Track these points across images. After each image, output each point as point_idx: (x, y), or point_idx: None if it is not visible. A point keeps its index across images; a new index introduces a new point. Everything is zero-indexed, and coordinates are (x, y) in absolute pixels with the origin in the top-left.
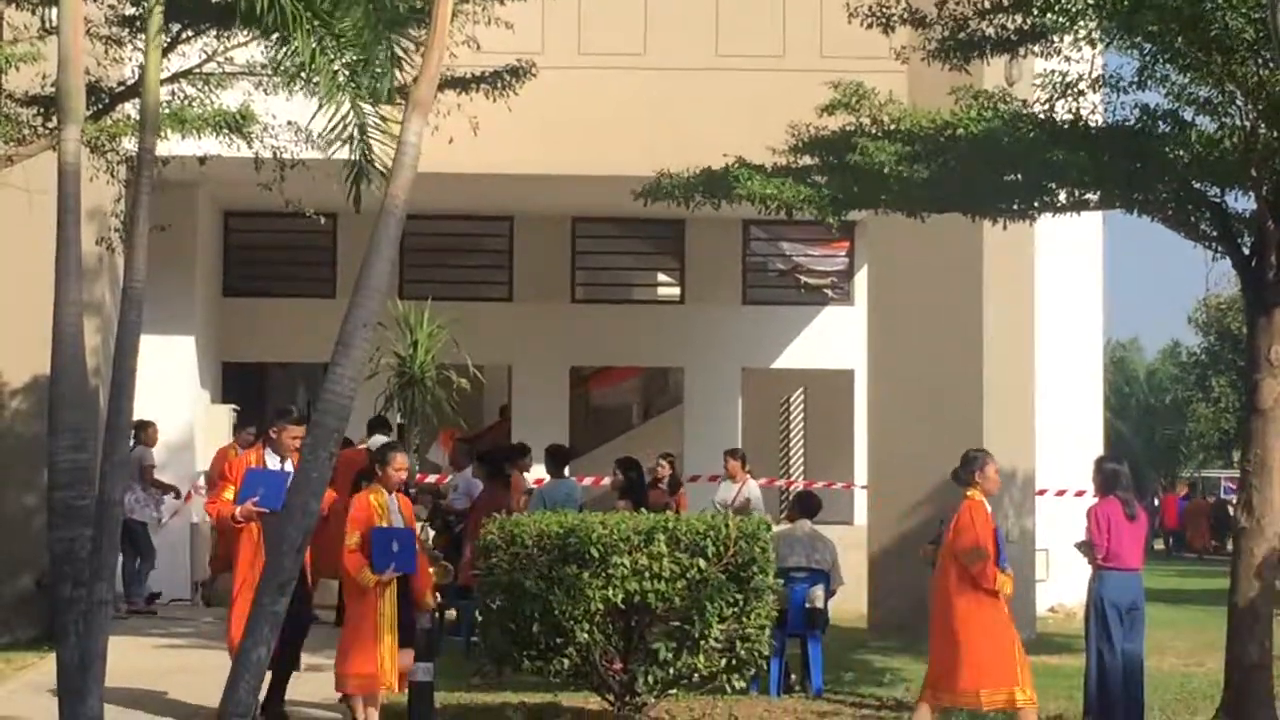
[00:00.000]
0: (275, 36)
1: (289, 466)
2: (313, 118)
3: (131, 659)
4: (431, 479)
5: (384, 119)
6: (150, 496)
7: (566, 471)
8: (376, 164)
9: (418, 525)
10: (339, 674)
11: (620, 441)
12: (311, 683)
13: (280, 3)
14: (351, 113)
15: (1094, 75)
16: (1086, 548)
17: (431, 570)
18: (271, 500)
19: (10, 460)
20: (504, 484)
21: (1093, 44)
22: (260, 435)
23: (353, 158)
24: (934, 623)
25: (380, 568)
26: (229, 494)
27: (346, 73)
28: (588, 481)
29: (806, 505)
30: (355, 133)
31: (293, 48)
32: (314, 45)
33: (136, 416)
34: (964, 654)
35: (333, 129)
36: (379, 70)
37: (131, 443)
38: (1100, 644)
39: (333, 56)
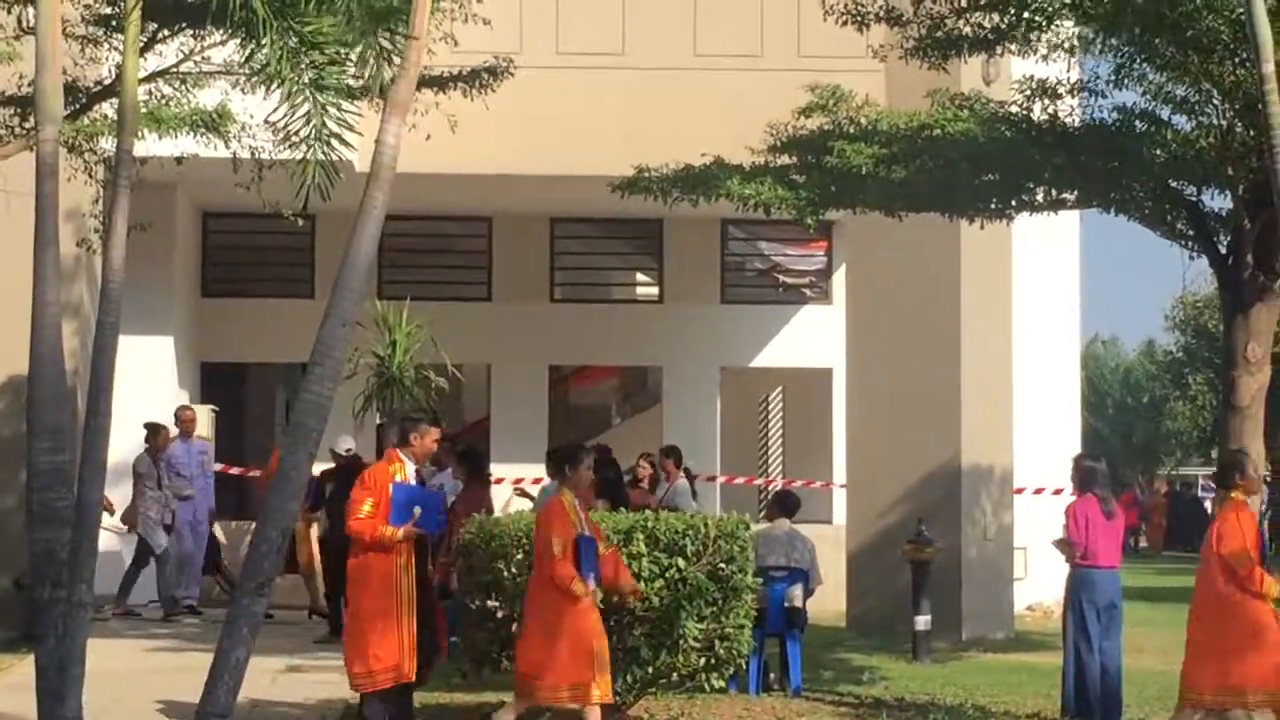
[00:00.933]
0: (244, 36)
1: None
2: (271, 113)
3: (110, 660)
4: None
5: (344, 123)
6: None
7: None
8: (344, 165)
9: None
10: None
11: (600, 440)
12: (288, 684)
13: (251, 3)
14: (314, 112)
15: (1072, 75)
16: (1064, 546)
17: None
18: (428, 521)
19: None
20: (484, 483)
21: (1071, 51)
22: (381, 447)
23: (308, 156)
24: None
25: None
26: (368, 507)
27: (313, 72)
28: None
29: (785, 504)
30: (316, 133)
31: (259, 46)
32: (281, 46)
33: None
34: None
35: (291, 126)
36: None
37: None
38: (1078, 642)
39: (300, 57)
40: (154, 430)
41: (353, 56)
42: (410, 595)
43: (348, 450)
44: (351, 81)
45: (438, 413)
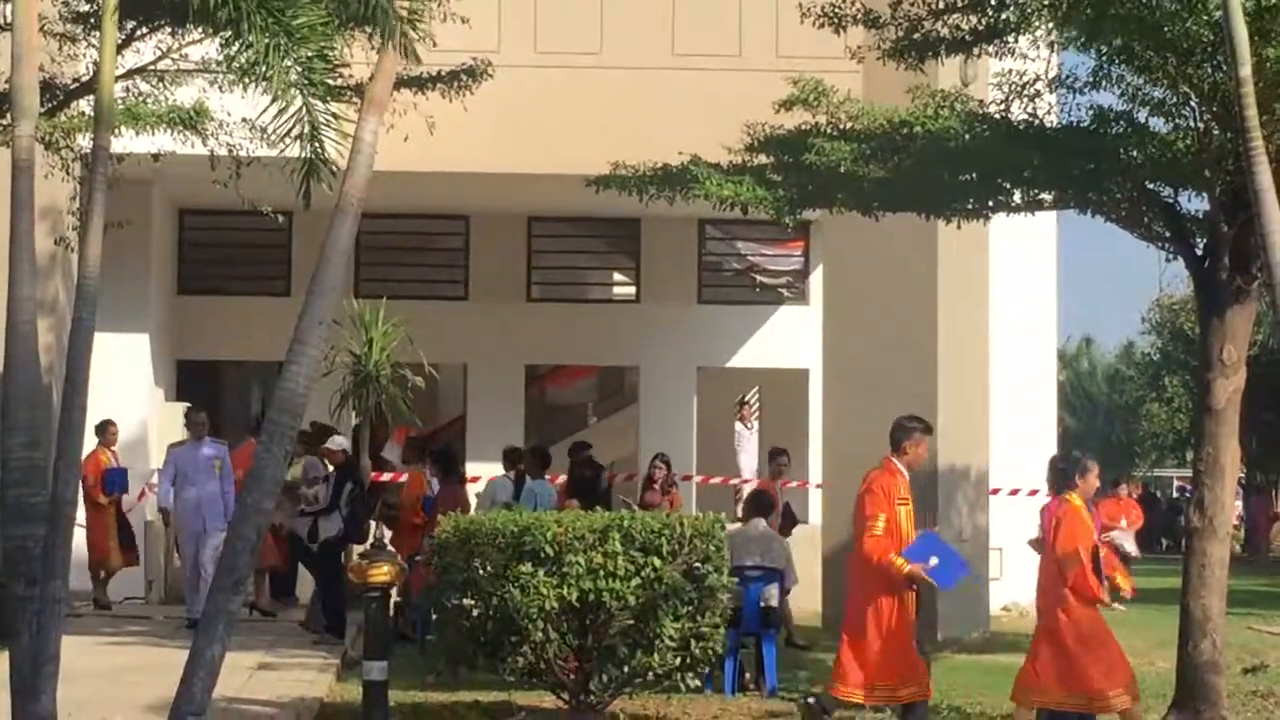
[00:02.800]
0: (229, 33)
1: None
2: (262, 113)
3: (85, 658)
4: (386, 477)
5: (335, 116)
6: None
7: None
8: (329, 162)
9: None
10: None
11: (576, 440)
12: (263, 681)
13: None
14: (304, 110)
15: (1050, 76)
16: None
17: (386, 570)
18: (944, 576)
19: None
20: (459, 481)
21: (1050, 46)
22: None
23: (304, 155)
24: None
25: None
26: (881, 526)
27: (299, 69)
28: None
29: (761, 504)
30: (307, 130)
31: (245, 43)
32: (267, 41)
33: (93, 415)
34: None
35: (284, 127)
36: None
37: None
38: None
39: (285, 53)
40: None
41: (341, 53)
42: (891, 621)
43: (345, 451)
44: (331, 80)
45: (413, 411)
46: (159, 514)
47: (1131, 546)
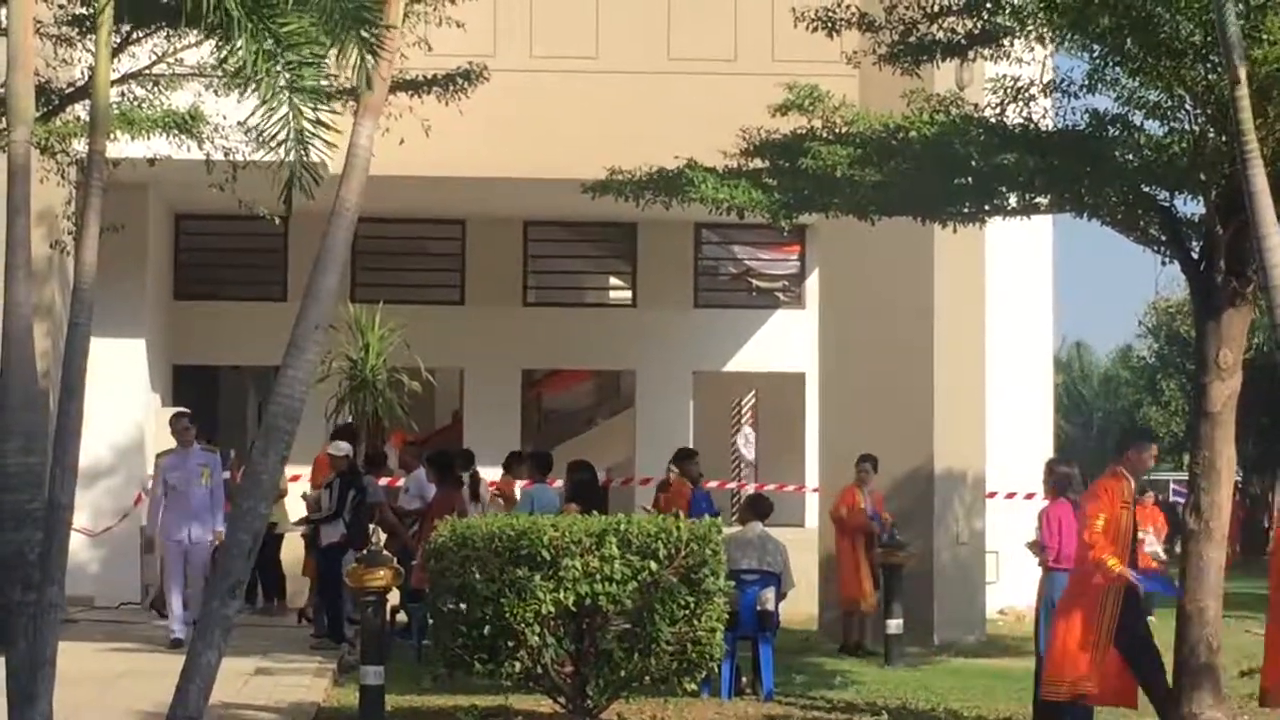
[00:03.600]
0: (219, 37)
1: None
2: (249, 116)
3: (81, 663)
4: (384, 481)
5: (321, 122)
6: None
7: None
8: (318, 167)
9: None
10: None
11: (573, 444)
12: (259, 687)
13: (225, 3)
14: (290, 115)
15: (1045, 80)
16: (1037, 548)
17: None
18: (1156, 585)
19: None
20: (456, 485)
21: (1043, 43)
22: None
23: (287, 160)
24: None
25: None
26: (1101, 523)
27: (288, 75)
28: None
29: (758, 508)
30: (291, 135)
31: (234, 47)
32: (256, 46)
33: (88, 419)
34: None
35: (269, 129)
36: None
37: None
38: (1041, 640)
39: (275, 58)
40: None
41: (329, 57)
42: (1111, 625)
43: (348, 456)
44: (325, 83)
45: (409, 416)
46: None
47: (1159, 550)
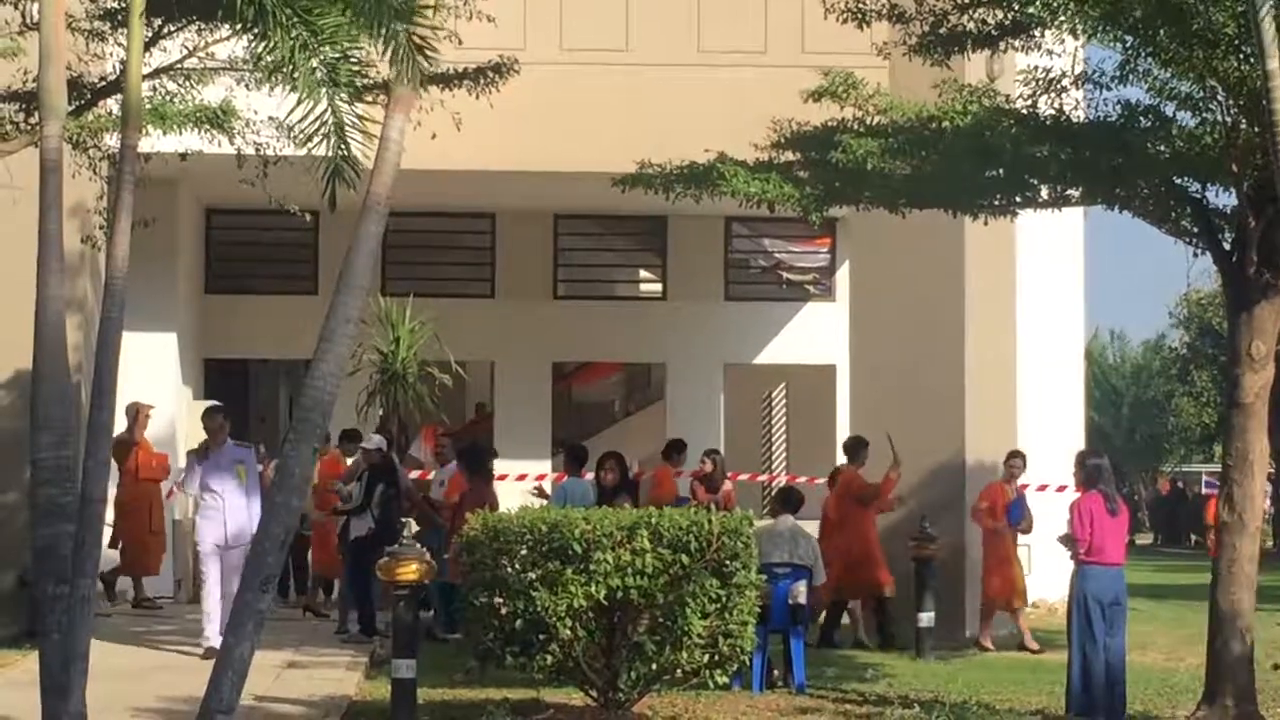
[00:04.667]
0: (255, 32)
1: None
2: (289, 114)
3: (114, 656)
4: (415, 474)
5: (361, 118)
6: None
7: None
8: (355, 161)
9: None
10: None
11: (603, 437)
12: (291, 680)
13: None
14: (329, 110)
15: (1076, 71)
16: (1069, 541)
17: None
18: None
19: None
20: (486, 479)
21: (1074, 34)
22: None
23: (329, 154)
24: None
25: None
26: None
27: (325, 69)
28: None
29: (788, 501)
30: (332, 130)
31: (272, 44)
32: (293, 41)
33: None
34: None
35: (310, 126)
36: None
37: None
38: (1083, 639)
39: (311, 53)
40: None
41: (368, 51)
42: None
43: (379, 449)
44: (357, 81)
45: (440, 409)
46: (187, 511)
47: None
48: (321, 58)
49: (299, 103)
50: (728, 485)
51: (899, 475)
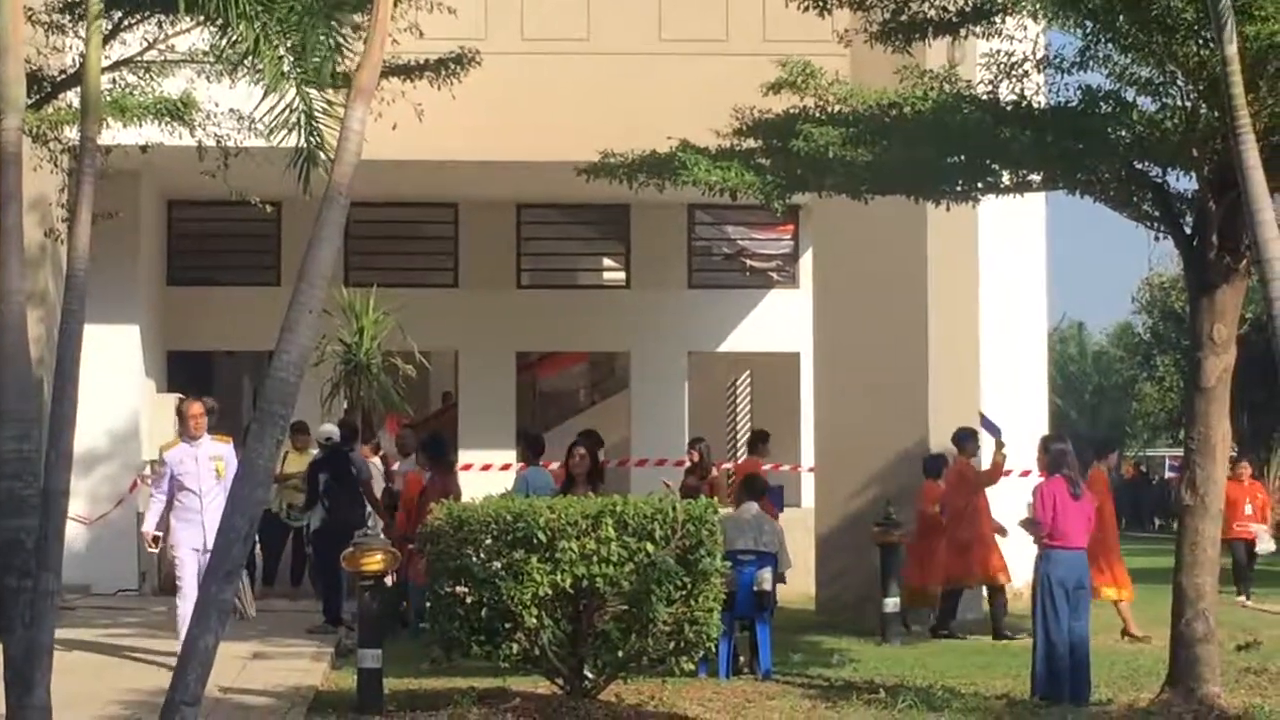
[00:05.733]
0: (218, 23)
1: None
2: (257, 105)
3: (80, 649)
4: (376, 460)
5: (330, 104)
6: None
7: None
8: (324, 150)
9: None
10: None
11: (568, 426)
12: (257, 672)
13: None
14: (298, 99)
15: (1037, 56)
16: (1032, 525)
17: (380, 558)
18: None
19: None
20: (447, 469)
21: (1035, 19)
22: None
23: (300, 144)
24: None
25: None
26: None
27: (291, 59)
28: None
29: (752, 488)
30: (302, 119)
31: (235, 35)
32: (256, 32)
33: (83, 405)
34: None
35: (278, 116)
36: (323, 54)
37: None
38: (1048, 622)
39: (276, 43)
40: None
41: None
42: None
43: (328, 439)
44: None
45: (404, 400)
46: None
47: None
48: (287, 46)
49: (266, 93)
50: (714, 473)
51: (1005, 457)
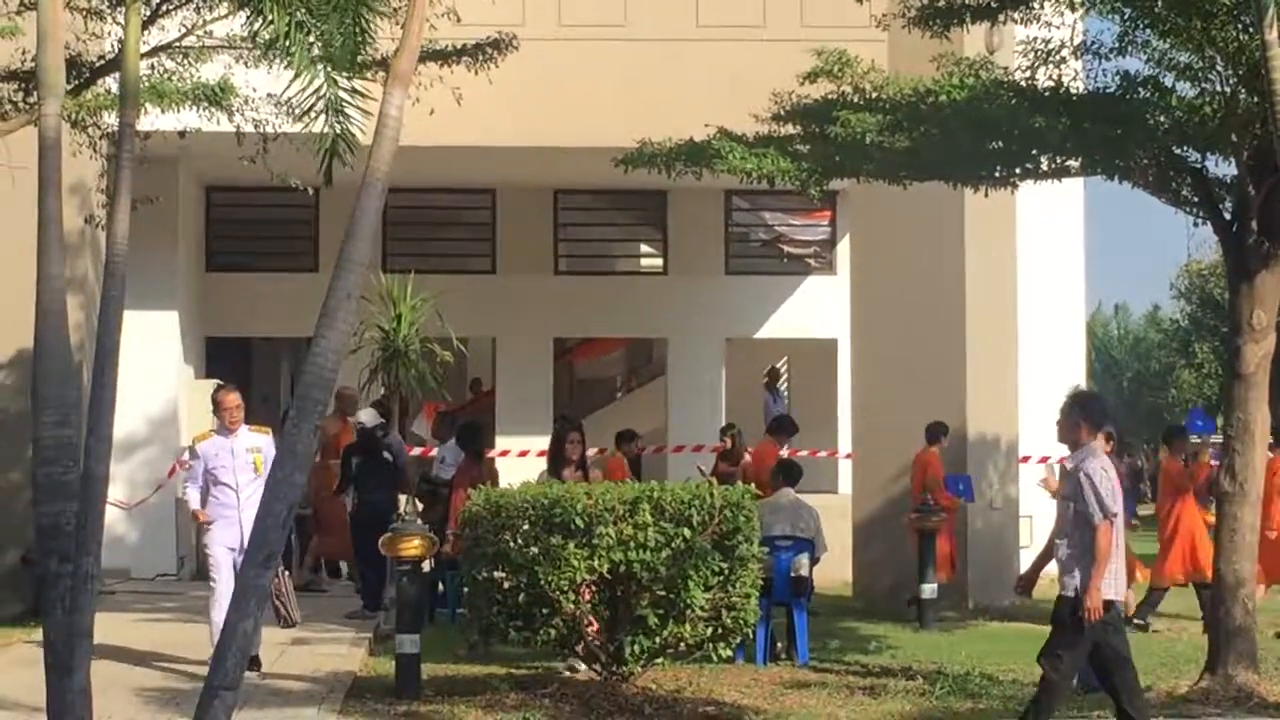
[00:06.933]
0: (251, 9)
1: None
2: (285, 90)
3: (119, 634)
4: (417, 451)
5: (356, 92)
6: None
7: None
8: (352, 138)
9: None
10: None
11: (605, 412)
12: (296, 656)
13: None
14: (325, 86)
15: (1075, 42)
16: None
17: (417, 543)
18: None
19: None
20: (480, 456)
21: (1073, 6)
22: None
23: (326, 131)
24: None
25: None
26: None
27: (321, 45)
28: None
29: (789, 474)
30: (329, 107)
31: (268, 20)
32: (288, 18)
33: (122, 391)
34: None
35: (306, 101)
36: (360, 38)
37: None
38: None
39: (308, 29)
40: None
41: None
42: None
43: (367, 423)
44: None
45: (441, 386)
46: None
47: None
48: (318, 33)
49: (294, 79)
50: (747, 458)
51: (1211, 455)
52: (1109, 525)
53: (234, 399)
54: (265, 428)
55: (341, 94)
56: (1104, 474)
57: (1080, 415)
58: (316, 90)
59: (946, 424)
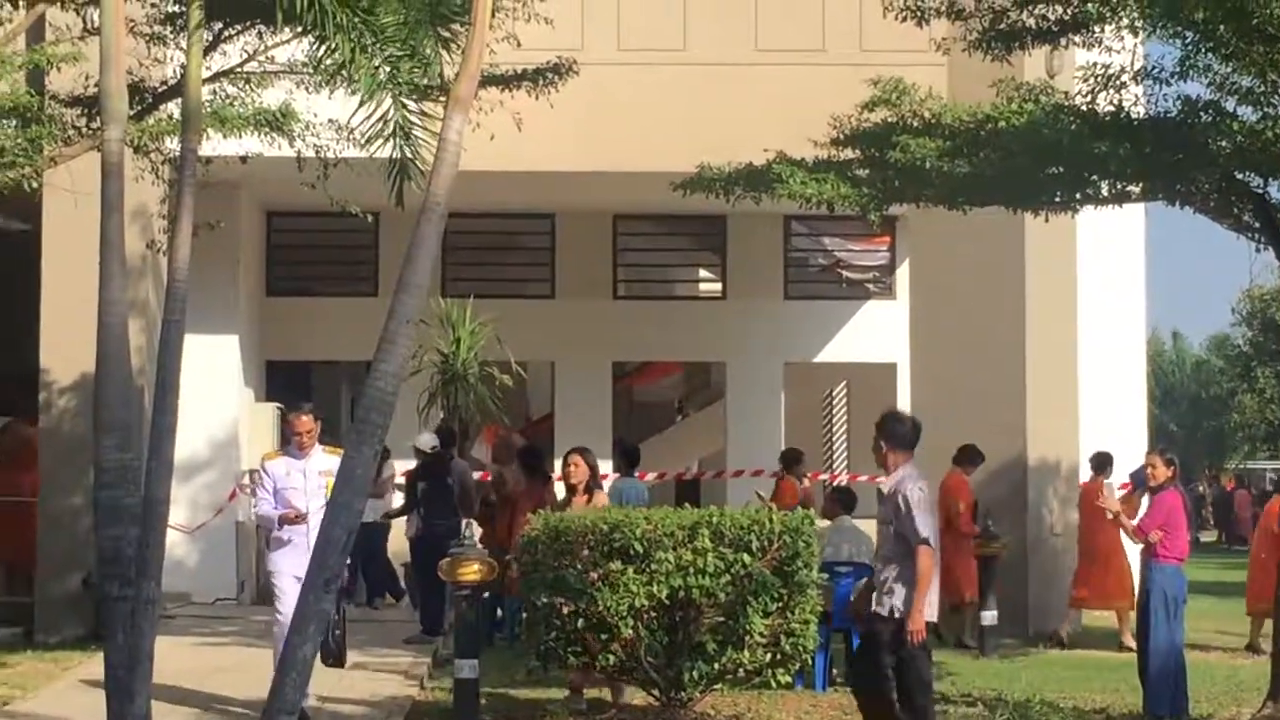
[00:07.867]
0: (315, 35)
1: None
2: (353, 115)
3: (178, 658)
4: (476, 475)
5: (425, 114)
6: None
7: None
8: (419, 161)
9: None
10: None
11: (664, 437)
12: (355, 681)
13: (319, 1)
14: (393, 110)
15: (1136, 67)
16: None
17: (476, 568)
18: None
19: (57, 460)
20: (543, 480)
21: (1134, 32)
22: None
23: (394, 155)
24: None
25: None
26: None
27: (387, 69)
28: (650, 477)
29: (845, 500)
30: (397, 130)
31: (332, 46)
32: (353, 43)
33: (183, 415)
34: None
35: (373, 127)
36: (425, 61)
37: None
38: (1159, 636)
39: (372, 54)
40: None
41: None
42: None
43: (433, 448)
44: (419, 80)
45: (500, 410)
46: (253, 519)
47: None
48: (383, 58)
49: (360, 104)
50: (807, 484)
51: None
52: (928, 548)
53: (305, 423)
54: (338, 448)
55: (410, 117)
56: (922, 494)
57: (880, 437)
58: (384, 114)
59: (982, 452)
